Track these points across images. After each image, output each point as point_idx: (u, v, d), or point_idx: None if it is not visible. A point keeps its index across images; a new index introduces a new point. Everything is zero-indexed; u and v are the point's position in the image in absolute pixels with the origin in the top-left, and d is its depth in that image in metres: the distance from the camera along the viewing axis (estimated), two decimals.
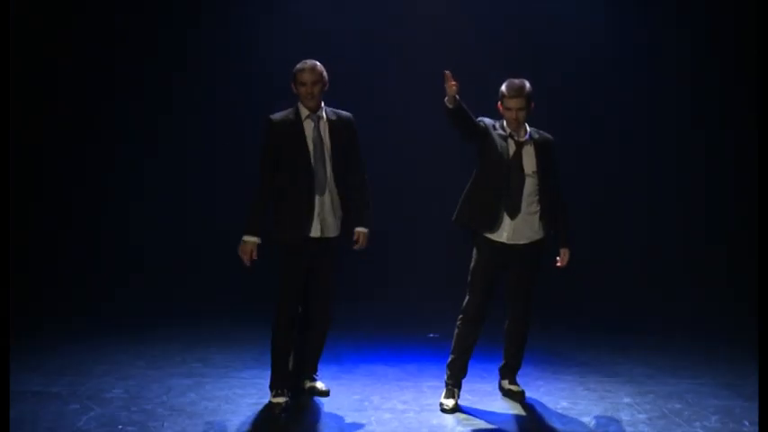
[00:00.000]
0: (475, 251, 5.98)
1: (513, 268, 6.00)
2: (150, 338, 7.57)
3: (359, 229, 5.92)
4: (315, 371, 6.17)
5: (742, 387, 6.44)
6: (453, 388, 6.04)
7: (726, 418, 5.78)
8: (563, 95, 8.89)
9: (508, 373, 6.24)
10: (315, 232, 5.76)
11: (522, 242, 5.89)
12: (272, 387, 5.90)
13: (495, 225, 5.87)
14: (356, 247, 5.94)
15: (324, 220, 5.77)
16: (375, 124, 8.43)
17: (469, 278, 5.98)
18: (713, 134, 9.23)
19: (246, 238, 5.73)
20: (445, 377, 6.10)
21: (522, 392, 6.15)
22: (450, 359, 6.10)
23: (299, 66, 5.79)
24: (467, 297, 5.98)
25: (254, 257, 5.74)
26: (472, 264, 5.97)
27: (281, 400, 5.83)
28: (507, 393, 6.20)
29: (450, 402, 5.94)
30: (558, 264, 6.02)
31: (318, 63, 5.80)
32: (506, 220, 5.86)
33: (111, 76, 9.18)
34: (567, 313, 8.58)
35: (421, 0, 9.16)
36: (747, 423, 5.66)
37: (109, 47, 9.14)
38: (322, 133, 5.80)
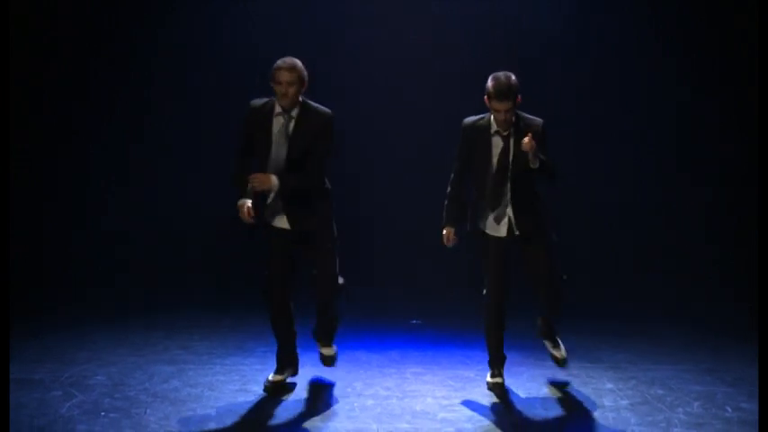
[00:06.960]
0: (482, 244, 5.95)
1: (524, 253, 5.94)
2: (133, 326, 7.54)
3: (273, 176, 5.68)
4: (321, 339, 6.13)
5: (724, 373, 6.47)
6: (496, 369, 6.08)
7: (708, 403, 5.80)
8: (563, 95, 8.89)
9: (547, 331, 6.18)
10: (275, 222, 5.81)
11: (524, 233, 5.88)
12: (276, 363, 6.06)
13: (500, 222, 5.85)
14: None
15: (276, 210, 5.78)
16: (364, 121, 8.43)
17: (483, 264, 5.96)
18: (713, 135, 9.20)
19: (238, 203, 5.76)
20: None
21: (563, 359, 6.21)
22: (486, 346, 6.14)
23: (278, 63, 5.65)
24: (485, 281, 5.97)
25: (252, 214, 5.73)
26: (483, 254, 5.95)
27: (273, 377, 5.97)
28: (551, 355, 6.25)
29: (492, 380, 6.04)
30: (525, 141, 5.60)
31: (299, 63, 5.64)
32: (508, 215, 5.82)
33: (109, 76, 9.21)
34: None
35: None
36: (730, 409, 5.69)
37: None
38: (288, 130, 5.70)
